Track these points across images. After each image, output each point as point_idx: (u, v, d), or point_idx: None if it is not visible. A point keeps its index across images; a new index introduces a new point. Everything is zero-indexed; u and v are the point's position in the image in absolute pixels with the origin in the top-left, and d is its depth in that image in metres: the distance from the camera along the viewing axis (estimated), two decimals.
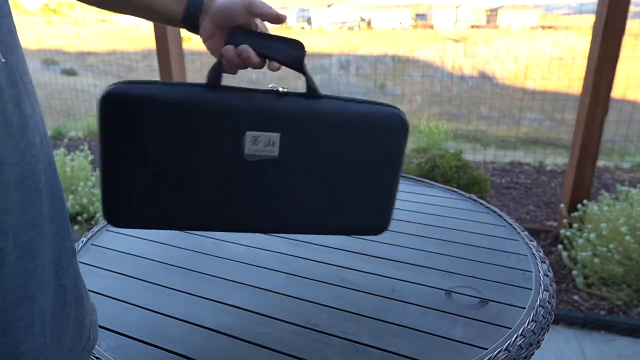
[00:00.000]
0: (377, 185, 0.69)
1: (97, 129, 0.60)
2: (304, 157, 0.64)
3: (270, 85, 0.63)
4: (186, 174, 0.62)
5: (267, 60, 0.63)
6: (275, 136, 0.62)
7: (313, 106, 0.63)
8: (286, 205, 0.67)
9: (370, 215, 0.71)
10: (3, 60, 0.38)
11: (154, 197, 0.63)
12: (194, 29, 0.66)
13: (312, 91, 0.63)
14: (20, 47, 0.41)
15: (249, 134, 0.61)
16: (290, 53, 0.62)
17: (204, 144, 0.61)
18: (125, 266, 0.83)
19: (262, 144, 0.62)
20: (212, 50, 0.66)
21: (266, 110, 0.61)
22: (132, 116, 0.58)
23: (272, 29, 0.69)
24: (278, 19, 0.62)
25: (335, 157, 0.65)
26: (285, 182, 0.65)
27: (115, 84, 0.58)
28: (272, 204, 0.66)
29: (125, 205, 0.63)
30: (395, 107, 0.67)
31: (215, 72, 0.61)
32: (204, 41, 0.66)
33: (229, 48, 0.60)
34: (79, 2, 0.65)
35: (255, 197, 0.65)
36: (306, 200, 0.67)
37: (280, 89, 0.62)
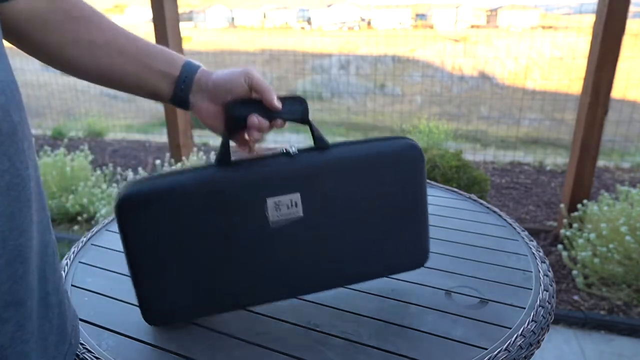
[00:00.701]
0: (407, 215, 0.69)
1: (120, 236, 0.60)
2: (329, 209, 0.64)
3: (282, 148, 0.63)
4: (218, 257, 0.62)
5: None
6: (296, 196, 0.62)
7: (325, 158, 0.63)
8: (323, 261, 0.67)
9: (408, 247, 0.71)
10: None
11: (191, 288, 0.63)
12: (184, 107, 0.64)
13: (320, 142, 0.63)
14: (7, 55, 0.42)
15: (270, 201, 0.61)
16: (294, 109, 0.62)
17: (230, 223, 0.61)
18: (126, 266, 0.83)
19: (285, 207, 0.62)
20: (215, 127, 0.64)
21: (282, 176, 0.61)
22: (154, 215, 0.59)
23: None
24: (272, 108, 0.60)
25: (358, 200, 0.65)
26: (317, 238, 0.65)
27: (127, 186, 0.59)
28: (309, 264, 0.66)
29: (163, 303, 0.63)
30: (404, 137, 0.67)
31: (225, 150, 0.60)
32: (204, 120, 0.64)
33: (253, 130, 0.60)
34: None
35: (291, 261, 0.65)
36: (342, 250, 0.67)
37: (291, 150, 0.62)
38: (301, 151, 0.63)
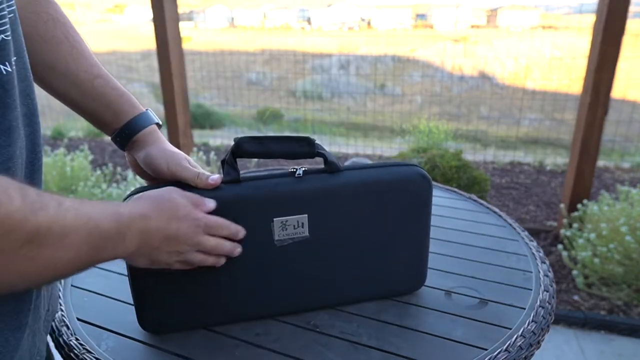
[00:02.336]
0: (409, 242, 0.70)
1: None
2: (335, 230, 0.65)
3: (290, 168, 0.64)
4: (219, 270, 0.62)
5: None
6: (303, 217, 0.63)
7: (335, 181, 0.63)
8: (323, 282, 0.68)
9: (406, 273, 0.72)
10: (15, 58, 0.43)
11: (188, 300, 0.64)
12: (121, 148, 0.66)
13: (331, 166, 0.63)
14: (25, 49, 0.47)
15: (277, 221, 0.62)
16: (302, 151, 0.61)
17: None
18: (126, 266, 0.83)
19: (291, 227, 0.63)
20: (138, 174, 0.67)
21: (290, 196, 0.62)
22: None
23: None
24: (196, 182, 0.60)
25: (364, 224, 0.66)
26: (320, 258, 0.66)
27: (135, 193, 0.58)
28: (310, 282, 0.67)
29: (160, 312, 0.64)
30: (413, 165, 0.67)
31: (233, 168, 0.61)
32: (129, 164, 0.67)
33: None
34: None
35: (292, 279, 0.66)
36: (342, 272, 0.68)
37: (300, 170, 0.63)
38: (311, 172, 0.63)
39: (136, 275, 0.61)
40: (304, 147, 0.61)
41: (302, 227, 0.63)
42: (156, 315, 0.64)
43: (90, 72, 0.62)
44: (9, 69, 0.41)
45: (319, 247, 0.65)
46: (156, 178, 0.63)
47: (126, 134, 0.64)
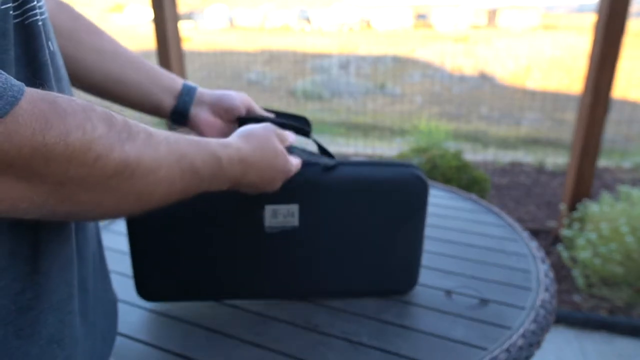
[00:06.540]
0: (400, 243, 0.70)
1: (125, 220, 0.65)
2: (324, 223, 0.66)
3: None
4: (210, 252, 0.66)
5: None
6: (294, 207, 0.64)
7: (328, 175, 0.65)
8: (311, 272, 0.69)
9: (397, 273, 0.72)
10: (52, 48, 0.40)
11: (182, 274, 0.68)
12: (182, 119, 0.66)
13: (327, 161, 0.65)
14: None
15: (268, 208, 0.64)
16: (301, 127, 0.67)
17: (225, 223, 0.64)
18: (126, 266, 0.83)
19: (281, 215, 0.64)
20: (213, 137, 0.69)
21: (283, 185, 0.62)
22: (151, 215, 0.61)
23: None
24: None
25: (356, 220, 0.66)
26: (308, 249, 0.67)
27: None
28: (297, 271, 0.69)
29: (155, 283, 0.68)
30: (412, 166, 0.67)
31: None
32: (203, 131, 0.67)
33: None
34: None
35: (280, 266, 0.68)
36: (330, 265, 0.69)
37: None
38: (306, 165, 0.64)
39: (136, 242, 0.64)
40: (304, 125, 0.67)
41: (293, 216, 0.64)
42: (154, 282, 0.67)
43: (131, 52, 0.64)
44: (52, 48, 0.41)
45: (308, 238, 0.66)
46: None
47: (191, 88, 0.66)
